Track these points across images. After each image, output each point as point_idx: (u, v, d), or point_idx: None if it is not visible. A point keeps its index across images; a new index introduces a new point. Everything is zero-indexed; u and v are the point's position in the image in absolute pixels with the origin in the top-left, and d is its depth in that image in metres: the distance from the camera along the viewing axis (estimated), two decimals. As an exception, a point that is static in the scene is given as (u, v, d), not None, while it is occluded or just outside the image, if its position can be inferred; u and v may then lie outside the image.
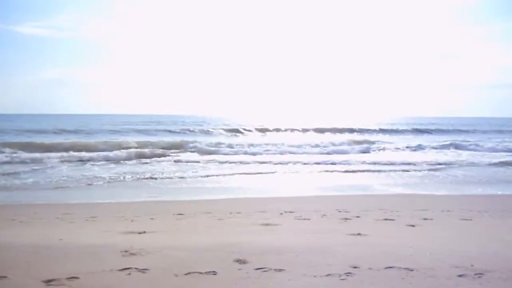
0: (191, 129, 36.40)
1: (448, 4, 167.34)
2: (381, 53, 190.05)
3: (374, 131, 39.56)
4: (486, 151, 21.48)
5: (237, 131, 35.53)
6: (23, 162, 15.18)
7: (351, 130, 38.51)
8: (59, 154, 16.85)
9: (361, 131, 38.60)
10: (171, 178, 12.22)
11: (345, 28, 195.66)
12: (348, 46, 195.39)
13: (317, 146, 22.80)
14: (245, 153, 19.91)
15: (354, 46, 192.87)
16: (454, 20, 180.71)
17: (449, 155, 19.74)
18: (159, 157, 17.45)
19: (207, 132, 34.39)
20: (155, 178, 11.99)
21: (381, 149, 23.19)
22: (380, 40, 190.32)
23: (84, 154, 17.18)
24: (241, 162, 16.49)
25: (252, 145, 22.40)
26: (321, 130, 37.42)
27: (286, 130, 38.30)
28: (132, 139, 24.05)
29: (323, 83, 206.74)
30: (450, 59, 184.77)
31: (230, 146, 21.90)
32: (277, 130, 38.35)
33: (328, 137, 31.65)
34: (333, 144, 23.72)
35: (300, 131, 37.90)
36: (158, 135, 31.09)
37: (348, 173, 13.78)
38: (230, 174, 13.02)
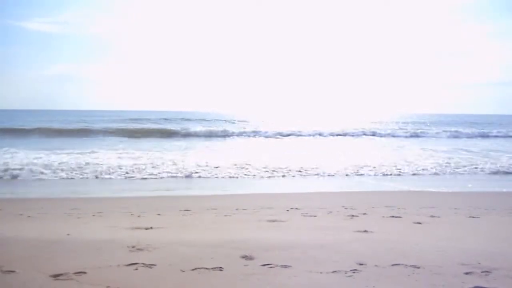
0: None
1: (449, 3, 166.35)
2: (382, 52, 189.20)
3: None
4: None
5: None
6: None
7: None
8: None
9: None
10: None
11: (347, 27, 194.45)
12: (351, 45, 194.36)
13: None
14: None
15: (356, 45, 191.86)
16: (456, 19, 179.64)
17: None
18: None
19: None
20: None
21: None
22: (382, 38, 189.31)
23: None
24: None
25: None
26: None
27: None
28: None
29: (325, 82, 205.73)
30: (451, 57, 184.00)
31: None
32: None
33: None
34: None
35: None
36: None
37: None
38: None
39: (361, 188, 10.57)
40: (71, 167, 12.04)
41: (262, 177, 11.62)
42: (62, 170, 11.73)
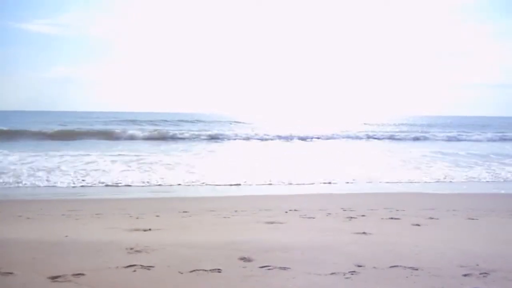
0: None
1: (449, 3, 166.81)
2: (382, 52, 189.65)
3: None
4: None
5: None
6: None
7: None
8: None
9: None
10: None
11: (347, 28, 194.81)
12: (351, 45, 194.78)
13: None
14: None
15: (356, 46, 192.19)
16: (456, 19, 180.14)
17: None
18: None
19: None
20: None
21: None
22: (382, 39, 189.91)
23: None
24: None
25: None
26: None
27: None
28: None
29: (324, 83, 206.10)
30: (451, 57, 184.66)
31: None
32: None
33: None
34: None
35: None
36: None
37: None
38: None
39: (359, 190, 10.56)
40: (66, 170, 12.00)
41: (257, 184, 11.36)
42: (57, 172, 11.69)
